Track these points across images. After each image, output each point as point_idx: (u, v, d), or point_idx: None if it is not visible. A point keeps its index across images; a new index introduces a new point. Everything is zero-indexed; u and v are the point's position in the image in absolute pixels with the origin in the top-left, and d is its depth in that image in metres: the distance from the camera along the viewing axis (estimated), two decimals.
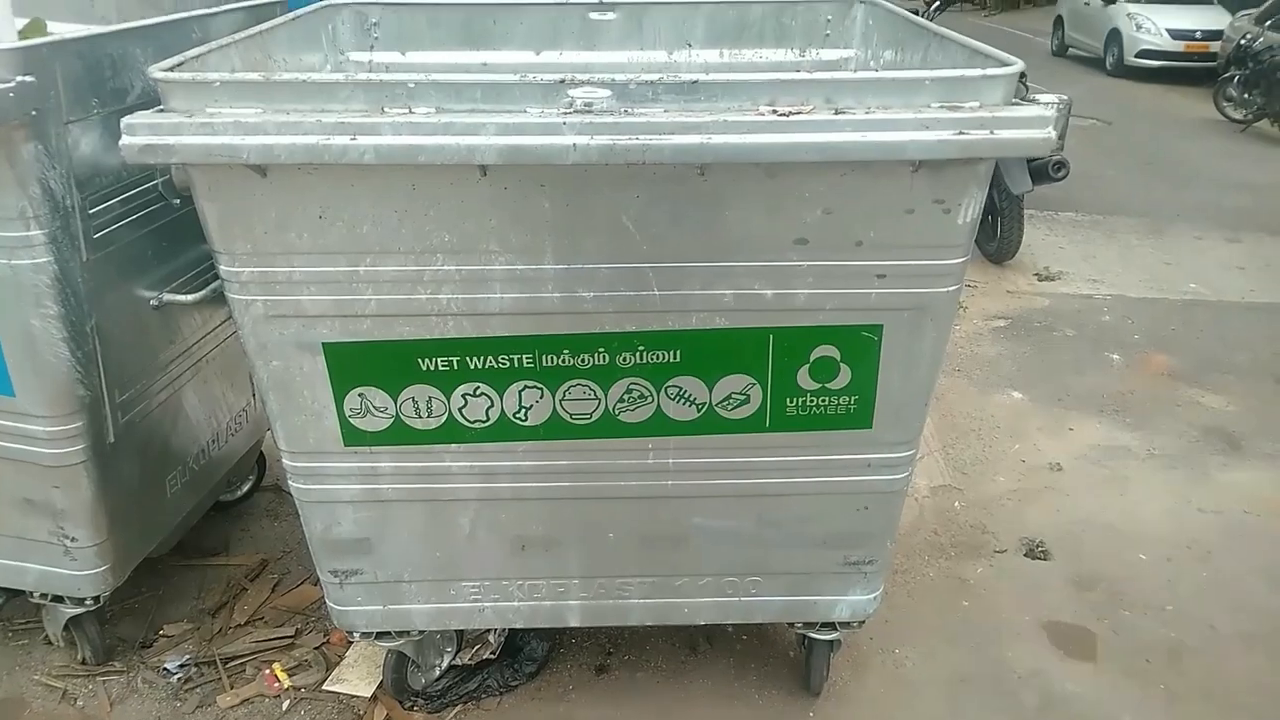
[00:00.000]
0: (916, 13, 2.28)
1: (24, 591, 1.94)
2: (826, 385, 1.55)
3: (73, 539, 1.82)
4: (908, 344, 1.51)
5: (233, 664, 2.10)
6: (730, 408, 1.60)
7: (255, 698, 2.03)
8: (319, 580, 2.39)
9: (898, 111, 1.32)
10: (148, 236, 1.81)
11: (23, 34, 2.12)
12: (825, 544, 1.74)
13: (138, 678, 2.04)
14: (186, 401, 2.09)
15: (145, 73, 1.34)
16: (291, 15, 1.95)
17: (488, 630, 2.05)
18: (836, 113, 1.30)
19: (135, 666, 2.08)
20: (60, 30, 2.20)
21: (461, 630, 2.04)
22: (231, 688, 2.04)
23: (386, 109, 1.33)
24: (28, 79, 1.40)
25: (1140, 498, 2.87)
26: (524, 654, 2.11)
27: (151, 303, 1.86)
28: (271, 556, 2.48)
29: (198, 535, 2.44)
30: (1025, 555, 2.58)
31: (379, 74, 1.34)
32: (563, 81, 1.32)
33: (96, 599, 1.93)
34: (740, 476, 1.67)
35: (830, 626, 1.90)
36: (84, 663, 2.05)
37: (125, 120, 1.30)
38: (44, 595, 1.93)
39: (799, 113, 1.29)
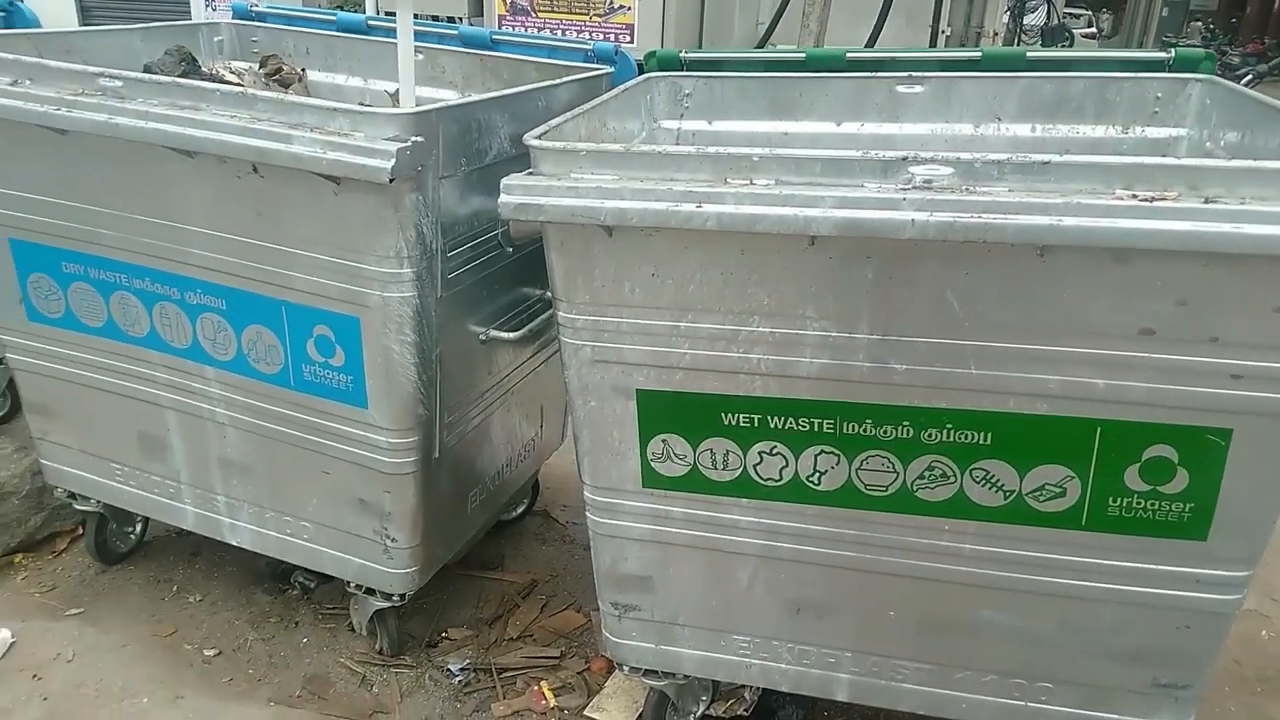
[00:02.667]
0: None
1: (333, 579, 2.21)
2: (1158, 488, 1.44)
3: (393, 539, 2.05)
4: (1262, 453, 1.37)
5: (505, 675, 2.26)
6: (1042, 499, 1.52)
7: (524, 710, 2.16)
8: (581, 608, 2.55)
9: (1275, 204, 1.22)
10: (483, 280, 2.02)
11: (394, 97, 2.46)
12: (1133, 660, 1.60)
13: (425, 675, 2.24)
14: (492, 428, 2.30)
15: (522, 139, 1.51)
16: (621, 88, 2.13)
17: (744, 686, 2.06)
18: (1206, 201, 1.22)
19: (423, 663, 2.28)
20: (440, 97, 2.55)
21: (718, 682, 2.07)
22: (504, 698, 2.19)
23: (729, 179, 1.42)
24: (419, 139, 1.63)
25: None
26: (777, 718, 2.09)
27: (480, 337, 2.08)
28: (540, 577, 2.64)
29: (479, 549, 2.65)
30: None
31: (724, 147, 1.43)
32: (905, 159, 1.34)
33: (403, 596, 2.15)
34: (1044, 573, 1.58)
35: None
36: (381, 653, 2.28)
37: (505, 181, 1.48)
38: (359, 586, 2.18)
39: (1163, 199, 1.23)
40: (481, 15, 6.72)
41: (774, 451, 1.63)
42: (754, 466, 1.65)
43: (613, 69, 2.42)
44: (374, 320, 1.81)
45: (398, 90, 2.50)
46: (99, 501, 2.41)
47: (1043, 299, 1.38)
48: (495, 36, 2.58)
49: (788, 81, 2.32)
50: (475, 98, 1.83)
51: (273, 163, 1.63)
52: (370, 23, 2.70)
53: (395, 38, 2.66)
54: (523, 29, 6.54)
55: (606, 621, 1.92)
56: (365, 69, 2.66)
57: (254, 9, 2.83)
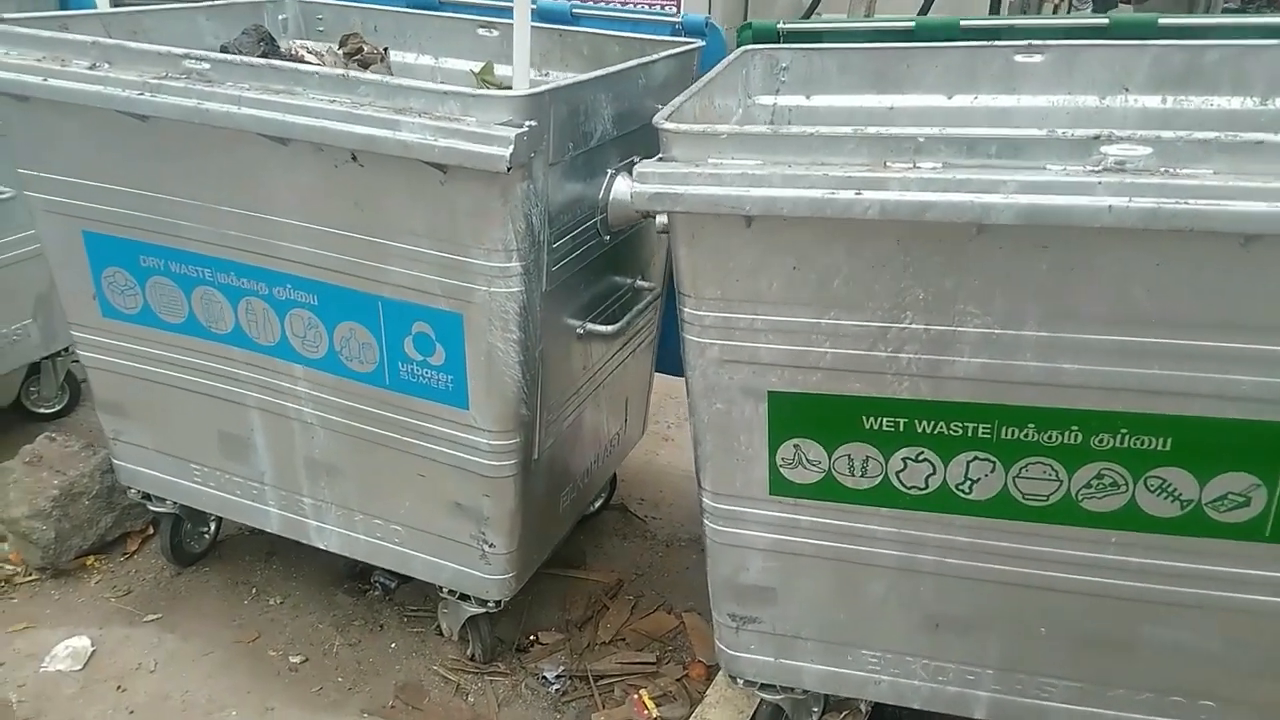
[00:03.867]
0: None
1: (413, 577, 2.12)
2: None
3: (491, 545, 1.95)
4: None
5: (602, 682, 2.17)
6: (1223, 509, 1.39)
7: None
8: (672, 609, 2.45)
9: None
10: (581, 271, 1.91)
11: (478, 76, 2.34)
12: None
13: (520, 683, 2.16)
14: (584, 425, 2.19)
15: (624, 120, 1.39)
16: (725, 63, 1.99)
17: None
18: None
19: (516, 670, 2.19)
20: (506, 74, 2.42)
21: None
22: (603, 707, 2.10)
23: (890, 163, 1.29)
24: (533, 124, 1.51)
25: None
26: None
27: (578, 332, 1.96)
28: (625, 576, 2.54)
29: (561, 546, 2.55)
30: None
31: (883, 127, 1.30)
32: (1096, 138, 1.21)
33: (498, 603, 2.06)
34: (1219, 587, 1.45)
35: None
36: (472, 659, 2.20)
37: (638, 169, 1.36)
38: (452, 592, 2.09)
39: None
40: None
41: (920, 458, 1.50)
42: (896, 474, 1.53)
43: (704, 42, 2.28)
44: (478, 317, 1.70)
45: (482, 68, 2.39)
46: (175, 502, 2.33)
47: (1244, 292, 1.25)
48: (575, 10, 2.44)
49: (895, 52, 2.17)
50: (583, 77, 1.71)
51: (378, 151, 1.52)
52: None
53: (466, 14, 2.58)
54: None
55: (722, 633, 1.82)
56: (436, 46, 2.54)
57: None
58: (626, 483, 2.93)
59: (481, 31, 2.51)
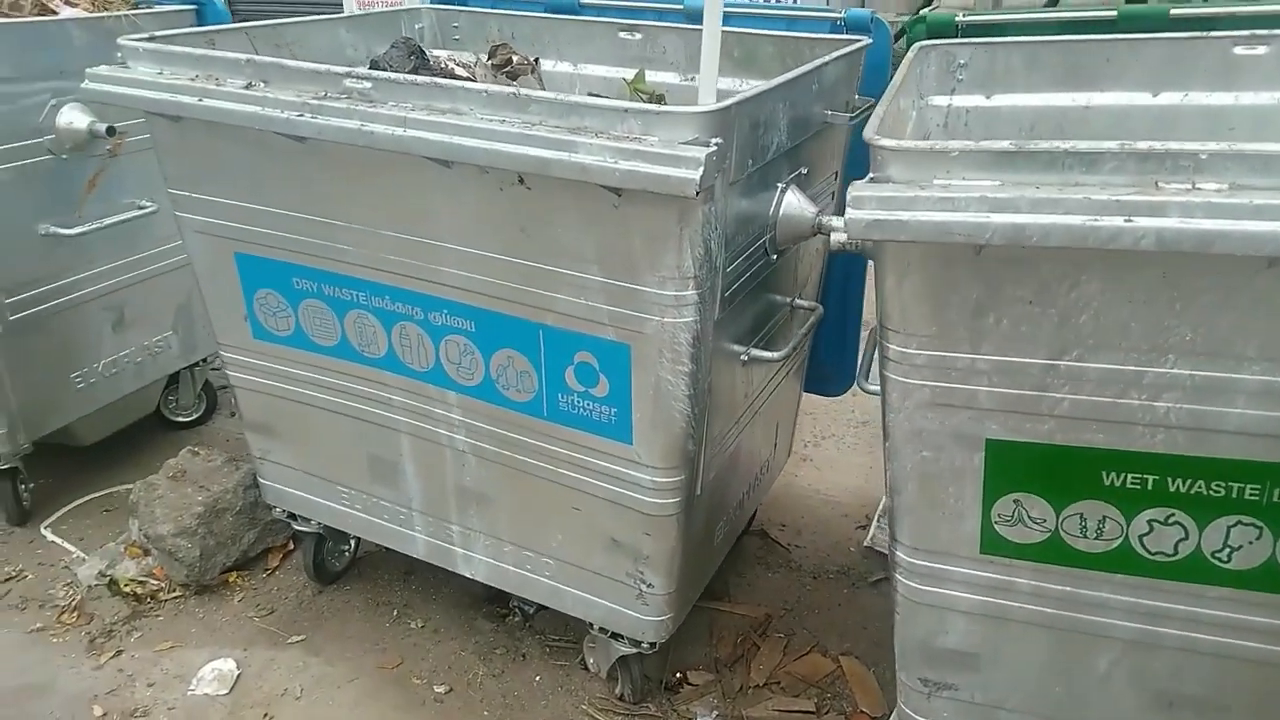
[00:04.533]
0: None
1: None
2: None
3: (649, 585, 1.83)
4: None
5: None
6: None
7: None
8: (827, 651, 2.29)
9: None
10: (748, 294, 1.76)
11: (631, 85, 2.21)
12: None
13: None
14: (740, 454, 2.05)
15: (865, 138, 1.23)
16: (907, 63, 1.81)
17: None
18: None
19: (668, 712, 2.07)
20: (656, 81, 2.29)
21: None
22: None
23: (1161, 184, 1.10)
24: (719, 141, 1.36)
25: None
26: None
27: (742, 358, 1.82)
28: (774, 611, 2.39)
29: None
30: None
31: (1153, 142, 1.11)
32: None
33: (653, 644, 1.94)
34: None
35: None
36: (621, 699, 2.08)
37: (853, 192, 1.20)
38: (603, 629, 1.98)
39: None
40: None
41: (1170, 520, 1.31)
42: (1139, 537, 1.33)
43: (870, 40, 2.10)
44: (647, 348, 1.57)
45: (634, 76, 2.27)
46: (319, 523, 2.29)
47: None
48: (726, 9, 2.28)
49: (1093, 46, 1.95)
50: (766, 85, 1.55)
51: (552, 174, 1.40)
52: (582, 2, 2.45)
53: (605, 16, 2.46)
54: None
55: (909, 697, 1.65)
56: (576, 52, 2.42)
57: None
58: (765, 506, 2.78)
59: (624, 35, 2.38)
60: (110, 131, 2.43)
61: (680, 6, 2.34)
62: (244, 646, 2.27)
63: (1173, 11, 1.90)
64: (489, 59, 2.13)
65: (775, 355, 1.84)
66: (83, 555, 2.54)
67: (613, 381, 1.64)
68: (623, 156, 1.35)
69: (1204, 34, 1.88)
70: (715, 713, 2.06)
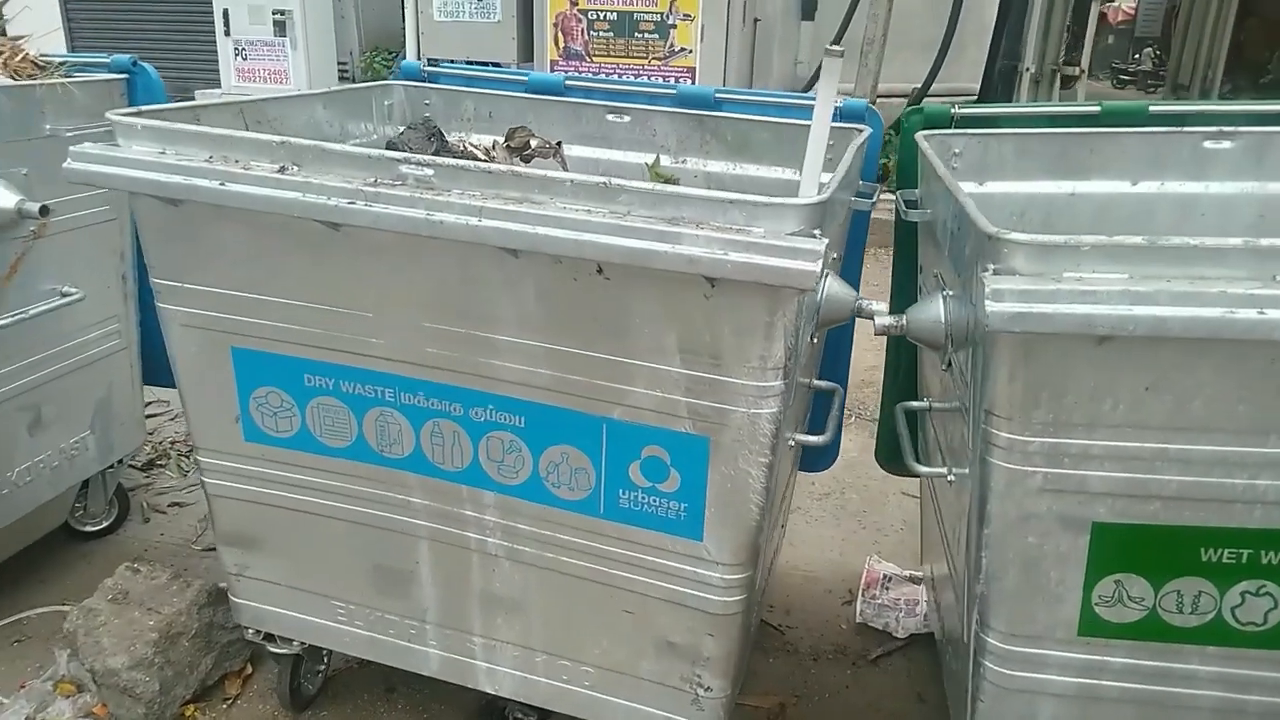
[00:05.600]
0: None
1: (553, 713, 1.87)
2: None
3: (707, 689, 1.74)
4: None
5: None
6: None
7: None
8: None
9: None
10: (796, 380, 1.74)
11: (651, 171, 2.19)
12: None
13: None
14: (771, 541, 2.01)
15: (993, 234, 1.24)
16: (922, 153, 1.88)
17: None
18: None
19: None
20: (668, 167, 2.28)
21: None
22: None
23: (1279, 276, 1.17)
24: (819, 231, 1.35)
25: None
26: None
27: (789, 444, 1.79)
28: (785, 700, 2.33)
29: None
30: None
31: (1274, 239, 1.18)
32: None
33: None
34: None
35: None
36: None
37: (994, 285, 1.21)
38: None
39: None
40: (531, 60, 6.50)
41: (1261, 591, 1.36)
42: (1232, 609, 1.38)
43: (870, 129, 2.17)
44: (728, 440, 1.52)
45: (653, 163, 2.24)
46: (301, 643, 2.06)
47: None
48: (719, 95, 2.32)
49: (1077, 137, 2.10)
50: (838, 176, 1.56)
51: (652, 266, 1.34)
52: (569, 83, 2.43)
53: (591, 99, 2.44)
54: (577, 72, 6.32)
55: None
56: (560, 133, 2.38)
57: (426, 69, 2.54)
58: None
59: (611, 118, 2.37)
60: (44, 211, 2.17)
61: (672, 91, 2.35)
62: None
63: (1151, 108, 2.07)
64: (506, 141, 2.06)
65: (820, 439, 1.82)
66: (0, 699, 2.18)
67: (685, 476, 1.57)
68: (733, 249, 1.31)
69: (1178, 129, 2.06)
70: None
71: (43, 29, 2.97)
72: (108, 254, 2.49)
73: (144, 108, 1.72)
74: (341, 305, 1.64)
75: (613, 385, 1.54)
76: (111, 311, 2.55)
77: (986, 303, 1.20)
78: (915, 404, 2.00)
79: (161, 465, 3.28)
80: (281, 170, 1.51)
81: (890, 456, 2.55)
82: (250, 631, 2.08)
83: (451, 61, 2.51)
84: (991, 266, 1.25)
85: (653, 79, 5.91)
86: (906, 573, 2.79)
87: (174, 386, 2.85)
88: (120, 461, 2.80)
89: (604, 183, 1.39)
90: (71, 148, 1.61)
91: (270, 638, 2.07)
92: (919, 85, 6.87)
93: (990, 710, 1.56)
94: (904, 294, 2.22)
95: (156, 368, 2.75)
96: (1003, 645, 1.50)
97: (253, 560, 1.98)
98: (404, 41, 6.88)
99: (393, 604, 1.90)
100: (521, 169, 1.42)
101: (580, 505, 1.66)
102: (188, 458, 3.32)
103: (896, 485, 3.25)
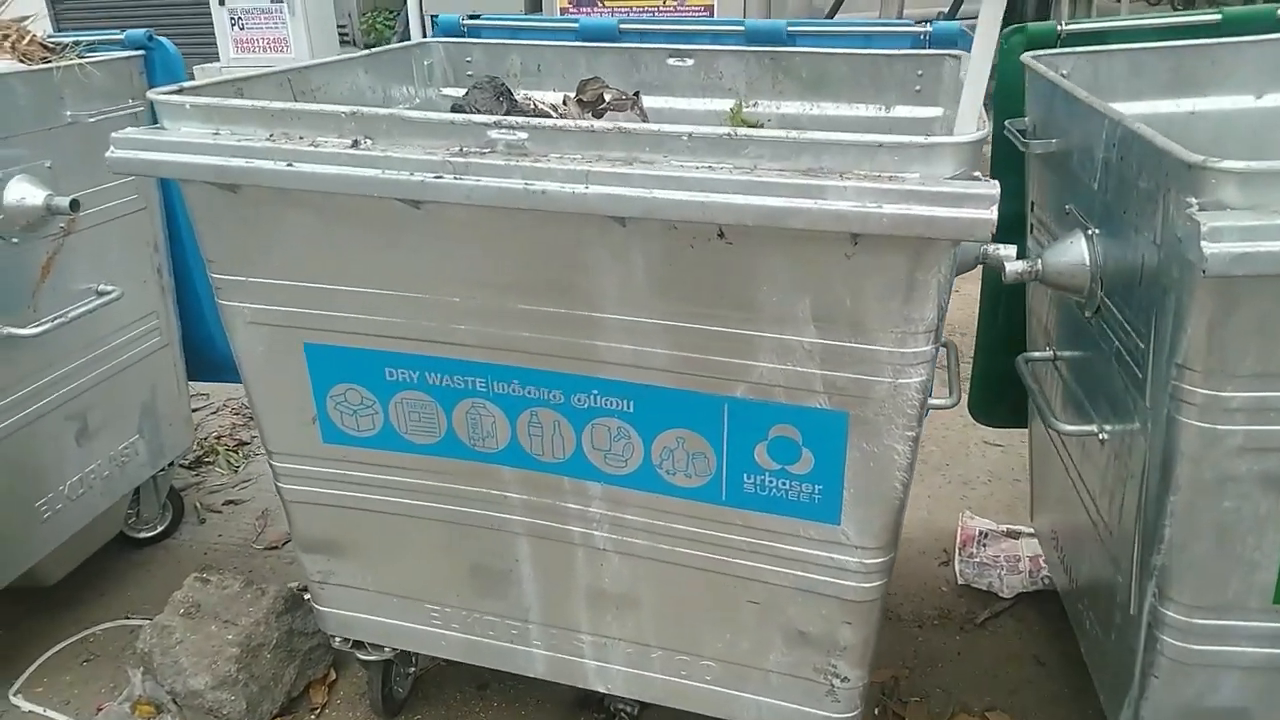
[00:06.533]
0: None
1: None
2: None
3: (843, 679, 1.61)
4: None
5: None
6: None
7: None
8: (966, 706, 2.13)
9: None
10: None
11: (732, 117, 2.01)
12: None
13: None
14: None
15: (1199, 164, 1.07)
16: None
17: None
18: None
19: None
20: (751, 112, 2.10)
21: None
22: None
23: None
24: (981, 174, 1.19)
25: None
26: None
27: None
28: (897, 672, 2.22)
29: None
30: None
31: None
32: None
33: None
34: None
35: None
36: None
37: (1209, 225, 1.04)
38: None
39: None
40: (540, 9, 6.23)
41: None
42: None
43: (967, 52, 1.98)
44: (870, 414, 1.36)
45: (733, 108, 2.05)
46: (393, 649, 1.95)
47: None
48: (791, 29, 2.12)
49: (1196, 50, 1.90)
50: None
51: (795, 225, 1.18)
52: (623, 26, 2.23)
53: (648, 42, 2.24)
54: (589, 17, 6.05)
55: None
56: (616, 84, 2.18)
57: (465, 24, 2.35)
58: None
59: (673, 61, 2.18)
60: (74, 205, 2.01)
61: (740, 28, 2.16)
62: None
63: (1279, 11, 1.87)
64: (577, 95, 1.88)
65: (948, 402, 1.67)
66: None
67: (820, 455, 1.42)
68: (888, 199, 1.14)
69: None
70: None
71: (24, 10, 2.76)
72: (141, 246, 2.33)
73: (185, 84, 1.55)
74: (424, 291, 1.48)
75: (735, 361, 1.38)
76: (150, 307, 2.40)
77: (1203, 243, 1.04)
78: (1038, 354, 1.84)
79: (209, 462, 3.16)
80: (354, 145, 1.34)
81: (986, 409, 2.40)
82: (337, 640, 1.97)
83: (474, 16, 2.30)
84: (1195, 201, 1.09)
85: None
86: (1003, 527, 2.65)
87: (216, 381, 2.80)
88: (171, 464, 2.68)
89: (727, 134, 1.21)
90: (114, 134, 1.44)
91: (359, 645, 1.96)
92: (944, 10, 6.58)
93: (1166, 686, 1.43)
94: (1008, 234, 2.05)
95: (197, 363, 2.62)
96: (1185, 619, 1.36)
97: (337, 566, 1.85)
98: (404, 1, 6.62)
99: (491, 604, 1.78)
100: (629, 125, 1.25)
101: (698, 493, 1.52)
102: (237, 453, 3.20)
103: (976, 435, 3.11)
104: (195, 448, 3.15)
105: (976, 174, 1.18)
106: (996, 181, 1.14)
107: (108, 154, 1.44)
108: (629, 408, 1.49)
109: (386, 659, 1.99)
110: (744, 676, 1.68)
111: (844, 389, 1.36)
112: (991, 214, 1.11)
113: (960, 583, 2.50)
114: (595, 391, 1.49)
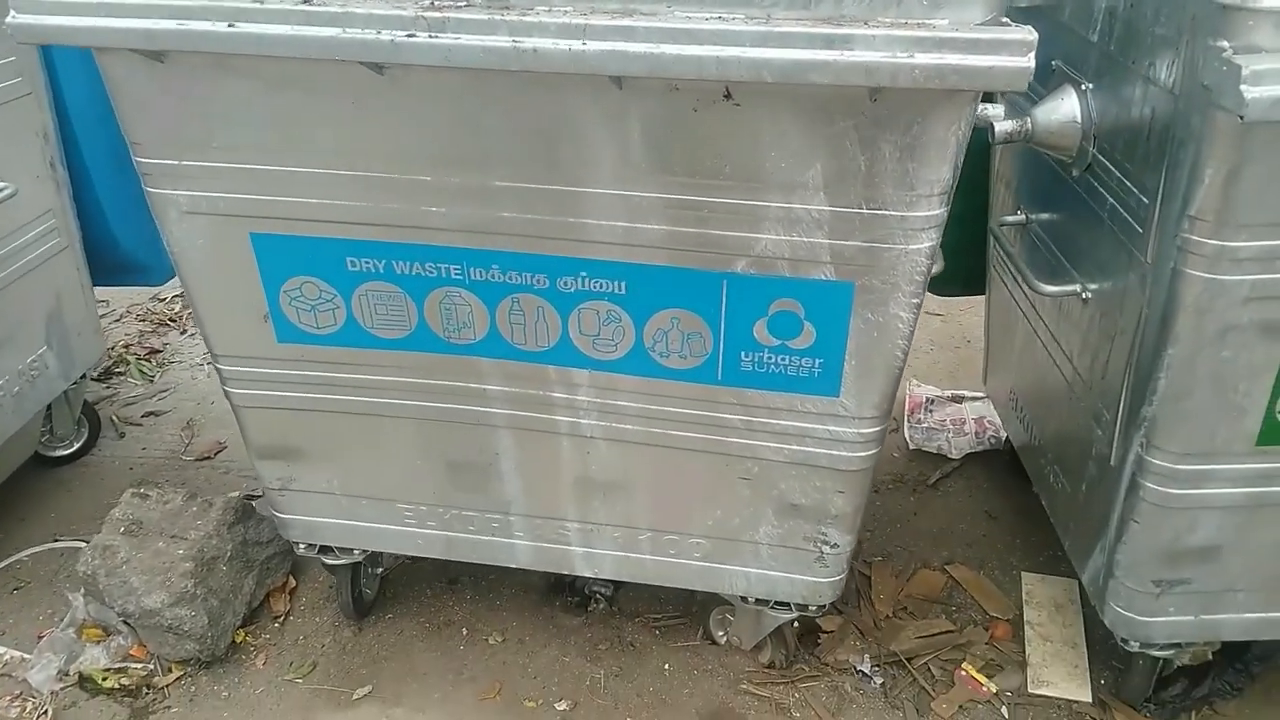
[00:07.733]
0: None
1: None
2: None
3: (832, 545, 1.64)
4: None
5: (916, 663, 1.93)
6: None
7: (968, 704, 1.85)
8: (930, 564, 2.22)
9: None
10: None
11: None
12: None
13: (842, 684, 1.88)
14: None
15: (1224, 3, 1.04)
16: None
17: None
18: None
19: (824, 671, 1.91)
20: None
21: None
22: (937, 693, 1.86)
23: None
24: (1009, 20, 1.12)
25: None
26: (1250, 654, 1.86)
27: None
28: (861, 535, 2.28)
29: None
30: None
31: None
32: None
33: (821, 606, 1.76)
34: None
35: None
36: (771, 667, 1.90)
37: (1251, 68, 1.01)
38: (761, 601, 1.77)
39: None
40: None
41: None
42: None
43: None
44: (877, 283, 1.33)
45: None
46: (362, 551, 1.88)
47: None
48: None
49: None
50: None
51: (820, 80, 1.09)
52: None
53: None
54: None
55: (1131, 601, 1.59)
56: None
57: None
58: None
59: None
60: None
61: None
62: (301, 718, 1.84)
63: None
64: None
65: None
66: (22, 655, 1.95)
67: (821, 329, 1.39)
68: (920, 49, 1.07)
69: None
70: (867, 655, 1.93)
71: None
72: (30, 136, 2.06)
73: None
74: (390, 170, 1.34)
75: (737, 235, 1.32)
76: (45, 205, 2.14)
77: (1243, 87, 1.01)
78: (1010, 218, 1.83)
79: (120, 373, 2.93)
80: (307, 0, 1.17)
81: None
82: (302, 546, 1.88)
83: None
84: (1228, 44, 1.05)
85: None
86: (948, 393, 2.73)
87: (119, 284, 2.56)
88: (84, 376, 2.47)
89: None
90: (10, 0, 1.22)
91: (325, 549, 1.88)
92: None
93: (1146, 530, 1.50)
94: None
95: (98, 266, 2.38)
96: (1172, 465, 1.41)
97: (298, 472, 1.74)
98: None
99: (470, 499, 1.72)
100: None
101: (692, 374, 1.47)
102: (149, 361, 2.98)
103: None
104: (105, 358, 2.91)
105: (1005, 19, 1.12)
106: (1030, 27, 1.08)
107: (6, 20, 1.22)
108: (620, 289, 1.41)
109: (355, 562, 1.92)
110: (734, 550, 1.69)
111: (852, 258, 1.31)
112: (1029, 62, 1.06)
113: (911, 448, 2.57)
114: (584, 274, 1.40)
